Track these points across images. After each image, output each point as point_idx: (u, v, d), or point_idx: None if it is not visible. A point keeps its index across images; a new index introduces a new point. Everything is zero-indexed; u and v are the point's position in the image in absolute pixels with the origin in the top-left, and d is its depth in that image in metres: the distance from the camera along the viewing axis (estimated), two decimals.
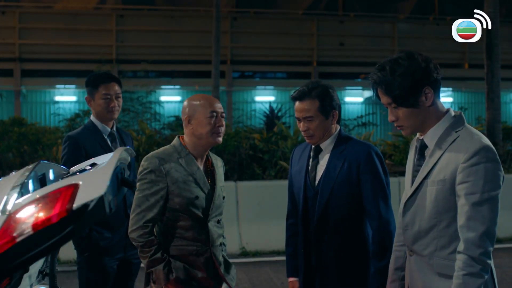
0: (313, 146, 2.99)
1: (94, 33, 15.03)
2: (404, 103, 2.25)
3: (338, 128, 2.98)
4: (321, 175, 2.91)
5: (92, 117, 3.74)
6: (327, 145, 2.94)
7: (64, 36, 14.87)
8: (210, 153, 3.04)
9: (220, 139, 2.91)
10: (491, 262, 2.20)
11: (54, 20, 15.07)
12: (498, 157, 2.18)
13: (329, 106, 2.89)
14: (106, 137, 3.69)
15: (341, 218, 2.87)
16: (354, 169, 2.84)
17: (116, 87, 3.71)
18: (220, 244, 2.96)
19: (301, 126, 2.93)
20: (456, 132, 2.25)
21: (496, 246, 2.21)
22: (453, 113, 2.31)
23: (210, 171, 2.97)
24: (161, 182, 2.80)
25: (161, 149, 2.94)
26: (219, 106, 2.91)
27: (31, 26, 14.87)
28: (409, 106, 2.26)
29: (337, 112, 2.93)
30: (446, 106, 2.34)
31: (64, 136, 4.86)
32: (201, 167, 2.93)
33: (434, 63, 2.27)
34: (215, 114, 2.87)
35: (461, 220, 2.15)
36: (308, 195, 2.95)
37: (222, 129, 2.90)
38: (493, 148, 2.19)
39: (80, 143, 3.58)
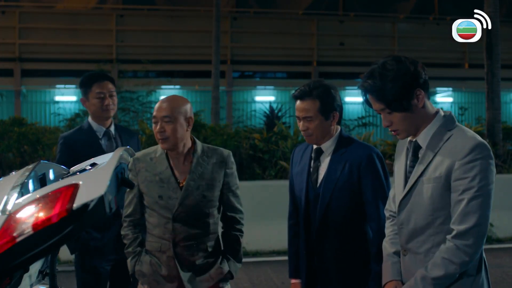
0: (314, 147, 2.96)
1: (94, 33, 15.03)
2: (398, 108, 2.26)
3: (339, 129, 2.95)
4: (322, 178, 2.89)
5: (89, 118, 3.75)
6: (328, 147, 2.92)
7: (64, 36, 14.86)
8: (208, 148, 2.98)
9: (164, 145, 2.85)
10: (483, 258, 2.24)
11: (54, 20, 15.07)
12: (492, 153, 2.22)
13: (330, 107, 2.86)
14: (100, 137, 3.68)
15: (342, 221, 2.85)
16: (355, 172, 2.82)
17: (110, 86, 3.69)
18: (192, 245, 2.91)
19: (300, 125, 2.91)
20: (449, 131, 2.28)
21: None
22: (443, 113, 2.34)
23: (190, 169, 2.91)
24: (134, 181, 2.92)
25: (146, 149, 3.06)
26: (163, 110, 2.81)
27: (31, 26, 14.87)
28: (402, 110, 2.27)
29: (337, 113, 2.90)
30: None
31: None
32: (174, 166, 2.90)
33: (420, 64, 2.29)
34: (154, 120, 2.86)
35: (455, 214, 2.19)
36: (310, 197, 2.93)
37: (165, 134, 2.81)
38: (488, 145, 2.23)
39: (72, 143, 3.62)
